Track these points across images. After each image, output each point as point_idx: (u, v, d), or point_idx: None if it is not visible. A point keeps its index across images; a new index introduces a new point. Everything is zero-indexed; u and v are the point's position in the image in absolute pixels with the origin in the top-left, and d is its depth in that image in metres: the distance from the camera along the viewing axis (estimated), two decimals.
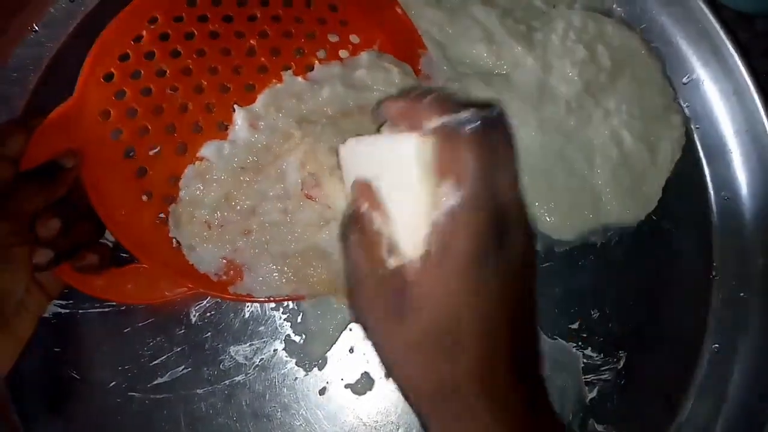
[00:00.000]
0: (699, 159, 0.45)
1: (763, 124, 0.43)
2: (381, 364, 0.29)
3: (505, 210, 0.26)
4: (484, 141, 0.26)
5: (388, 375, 0.29)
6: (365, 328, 0.30)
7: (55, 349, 0.41)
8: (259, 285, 0.37)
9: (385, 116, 0.31)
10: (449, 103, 0.28)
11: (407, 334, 0.27)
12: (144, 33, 0.37)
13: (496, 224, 0.26)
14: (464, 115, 0.26)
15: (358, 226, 0.29)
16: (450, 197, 0.26)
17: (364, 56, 0.40)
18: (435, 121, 0.27)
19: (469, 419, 0.26)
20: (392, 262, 0.28)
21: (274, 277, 0.37)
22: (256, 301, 0.39)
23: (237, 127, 0.37)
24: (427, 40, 0.43)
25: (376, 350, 0.29)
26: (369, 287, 0.29)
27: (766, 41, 0.48)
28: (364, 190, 0.30)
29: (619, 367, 0.42)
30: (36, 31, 0.44)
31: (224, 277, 0.37)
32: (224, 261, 0.37)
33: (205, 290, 0.38)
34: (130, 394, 0.40)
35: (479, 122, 0.26)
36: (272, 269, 0.37)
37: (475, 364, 0.26)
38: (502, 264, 0.26)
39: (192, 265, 0.37)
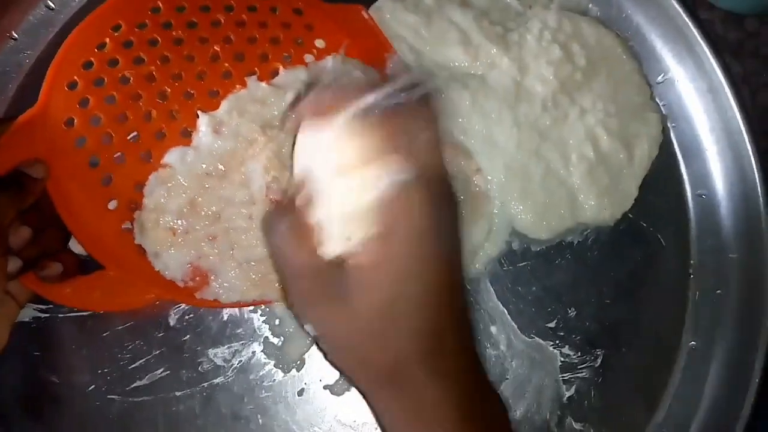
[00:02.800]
0: (675, 157, 0.45)
1: (738, 121, 0.43)
2: (323, 352, 0.29)
3: (436, 178, 0.27)
4: (404, 114, 0.27)
5: (331, 361, 0.29)
6: (305, 320, 0.30)
7: (35, 353, 0.41)
8: (225, 290, 0.38)
9: (301, 116, 0.31)
10: (354, 89, 0.28)
11: (353, 318, 0.27)
12: (107, 40, 0.37)
13: (432, 194, 0.27)
14: (372, 96, 0.27)
15: (290, 218, 0.29)
16: (393, 175, 0.26)
17: (329, 60, 0.40)
18: (349, 108, 0.27)
19: (419, 394, 0.27)
20: (329, 250, 0.28)
21: (240, 282, 0.38)
22: (222, 307, 0.39)
23: (201, 133, 0.38)
24: (403, 44, 0.43)
25: (319, 341, 0.29)
26: (306, 278, 0.28)
27: (755, 41, 0.49)
28: (300, 181, 0.30)
29: (597, 365, 0.42)
30: (15, 38, 0.45)
31: (190, 283, 0.38)
32: (190, 267, 0.38)
33: (171, 297, 0.38)
34: (109, 397, 0.41)
35: (409, 94, 0.27)
36: (238, 274, 0.38)
37: (424, 337, 0.27)
38: (443, 230, 0.27)
39: (158, 271, 0.37)
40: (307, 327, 0.29)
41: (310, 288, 0.28)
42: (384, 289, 0.26)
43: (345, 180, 0.27)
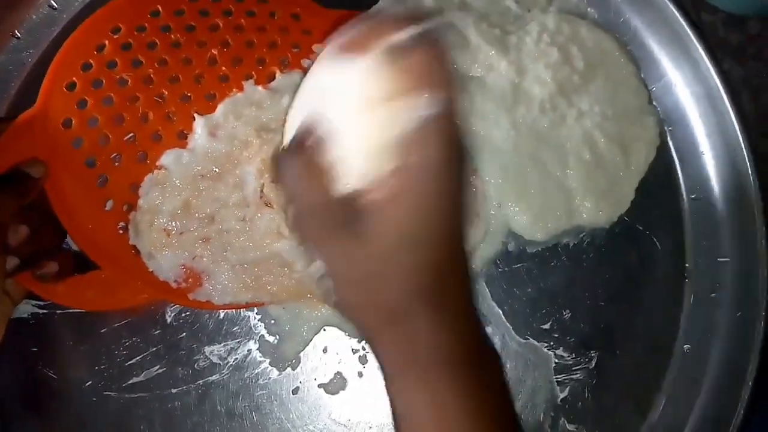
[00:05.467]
0: (672, 160, 0.45)
1: (734, 126, 0.43)
2: (332, 294, 0.29)
3: (453, 117, 0.27)
4: (438, 48, 0.27)
5: (339, 301, 0.29)
6: (317, 257, 0.29)
7: (33, 349, 0.41)
8: (218, 292, 0.38)
9: (330, 51, 0.30)
10: (378, 28, 0.28)
11: (367, 252, 0.27)
12: (107, 42, 0.37)
13: (450, 131, 0.27)
14: (425, 27, 0.27)
15: (302, 156, 0.29)
16: (426, 108, 0.26)
17: None
18: (397, 36, 0.27)
19: (419, 335, 0.27)
20: (345, 186, 0.27)
21: (232, 284, 0.38)
22: (215, 308, 0.40)
23: (197, 135, 0.38)
24: None
25: (328, 279, 0.29)
26: (318, 215, 0.28)
27: (758, 43, 0.49)
28: (310, 124, 0.29)
29: (591, 367, 0.42)
30: (18, 37, 0.45)
31: (183, 284, 0.38)
32: (183, 268, 0.38)
33: (164, 297, 0.38)
34: (105, 393, 0.41)
35: (428, 34, 0.27)
36: (231, 276, 0.38)
37: (431, 273, 0.27)
38: (455, 168, 0.27)
39: (152, 272, 0.38)
40: (316, 265, 0.29)
41: (323, 224, 0.28)
42: (400, 222, 0.26)
43: (367, 116, 0.27)
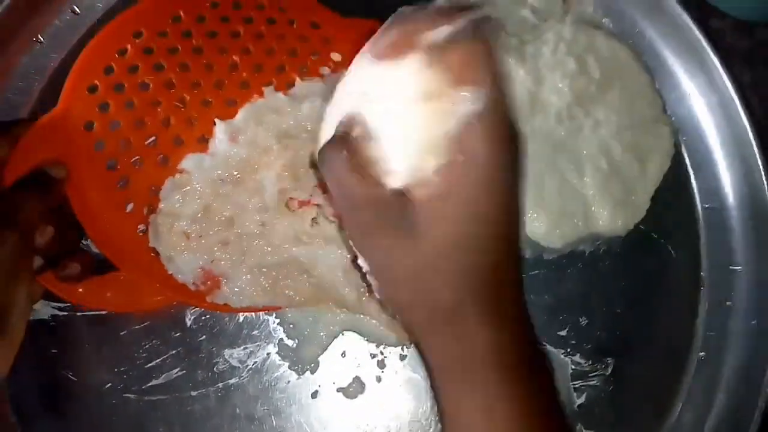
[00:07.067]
0: (686, 170, 0.46)
1: (748, 136, 0.44)
2: (380, 291, 0.28)
3: (507, 112, 0.26)
4: (490, 42, 0.26)
5: (385, 297, 0.29)
6: (363, 253, 0.29)
7: (52, 351, 0.41)
8: (236, 295, 0.39)
9: (370, 50, 0.29)
10: (428, 22, 0.27)
11: (418, 251, 0.26)
12: (128, 46, 0.38)
13: (504, 126, 0.26)
14: (465, 22, 0.26)
15: (347, 152, 0.28)
16: (470, 104, 0.25)
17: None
18: (437, 34, 0.26)
19: (472, 337, 0.26)
20: (394, 182, 0.27)
21: (250, 287, 0.38)
22: (232, 311, 0.40)
23: (217, 140, 0.38)
24: None
25: (376, 275, 0.28)
26: (366, 210, 0.27)
27: (766, 49, 0.49)
28: (351, 120, 0.29)
29: (607, 373, 0.43)
30: (41, 42, 0.45)
31: (202, 287, 0.38)
32: (202, 271, 0.38)
33: (182, 300, 0.38)
34: (125, 395, 0.41)
35: (483, 24, 0.26)
36: (249, 280, 0.38)
37: (487, 274, 0.26)
38: (510, 164, 0.26)
39: (171, 275, 0.38)
40: (361, 261, 0.28)
41: (371, 220, 0.27)
42: (453, 220, 0.26)
43: (413, 114, 0.27)
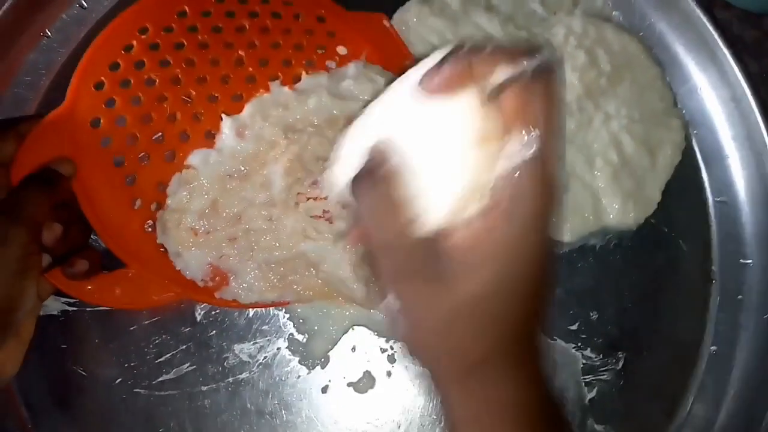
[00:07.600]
0: (697, 163, 0.46)
1: (761, 129, 0.44)
2: (404, 333, 0.27)
3: (551, 162, 0.25)
4: (550, 86, 0.25)
5: (410, 343, 0.27)
6: (394, 295, 0.27)
7: (62, 346, 0.41)
8: (244, 291, 0.39)
9: (413, 80, 0.28)
10: (503, 53, 0.25)
11: (450, 301, 0.25)
12: (134, 42, 0.38)
13: (546, 176, 0.25)
14: (527, 62, 0.25)
15: (378, 189, 0.27)
16: (522, 150, 0.24)
17: (351, 67, 0.41)
18: (497, 76, 0.25)
19: (498, 391, 0.26)
20: (426, 225, 0.26)
21: (259, 283, 0.38)
22: (240, 307, 0.40)
23: (224, 135, 0.38)
24: (429, 48, 0.44)
25: (402, 320, 0.27)
26: (395, 252, 0.26)
27: None
28: (381, 153, 0.27)
29: (618, 368, 0.43)
30: (48, 36, 0.45)
31: (210, 283, 0.38)
32: (210, 267, 0.38)
33: (191, 296, 0.38)
34: (135, 390, 0.41)
35: (545, 68, 0.25)
36: (257, 275, 0.38)
37: (517, 328, 0.26)
38: (547, 215, 0.25)
39: (179, 271, 0.38)
40: (390, 299, 0.27)
41: (400, 264, 0.26)
42: (493, 266, 0.25)
43: (470, 151, 0.26)
